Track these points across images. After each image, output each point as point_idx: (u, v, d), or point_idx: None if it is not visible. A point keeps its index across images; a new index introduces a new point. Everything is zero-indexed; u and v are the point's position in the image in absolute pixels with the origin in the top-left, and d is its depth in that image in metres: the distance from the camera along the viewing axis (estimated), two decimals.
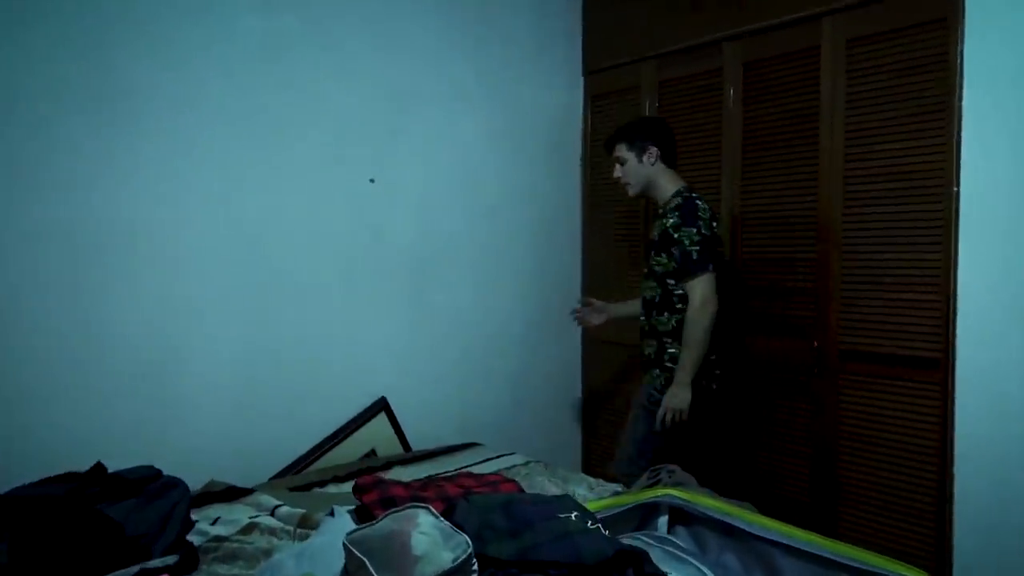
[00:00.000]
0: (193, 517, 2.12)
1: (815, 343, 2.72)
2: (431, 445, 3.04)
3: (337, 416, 2.82)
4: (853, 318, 2.63)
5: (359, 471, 2.63)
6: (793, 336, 2.80)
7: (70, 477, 1.81)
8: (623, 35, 3.33)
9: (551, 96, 3.42)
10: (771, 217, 2.85)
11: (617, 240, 3.42)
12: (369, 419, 2.87)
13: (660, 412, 2.51)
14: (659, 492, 1.97)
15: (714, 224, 2.56)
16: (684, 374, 2.48)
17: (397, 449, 2.95)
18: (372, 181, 2.86)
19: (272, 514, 2.18)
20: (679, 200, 2.54)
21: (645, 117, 2.94)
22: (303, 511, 2.13)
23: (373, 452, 2.88)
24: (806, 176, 2.74)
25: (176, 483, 1.84)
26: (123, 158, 2.31)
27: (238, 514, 2.19)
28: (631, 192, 2.66)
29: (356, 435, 2.84)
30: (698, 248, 2.45)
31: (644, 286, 2.67)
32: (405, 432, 2.98)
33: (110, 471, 1.99)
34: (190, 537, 1.85)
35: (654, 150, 2.58)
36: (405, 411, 3.01)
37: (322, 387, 2.78)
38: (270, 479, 2.63)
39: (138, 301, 2.36)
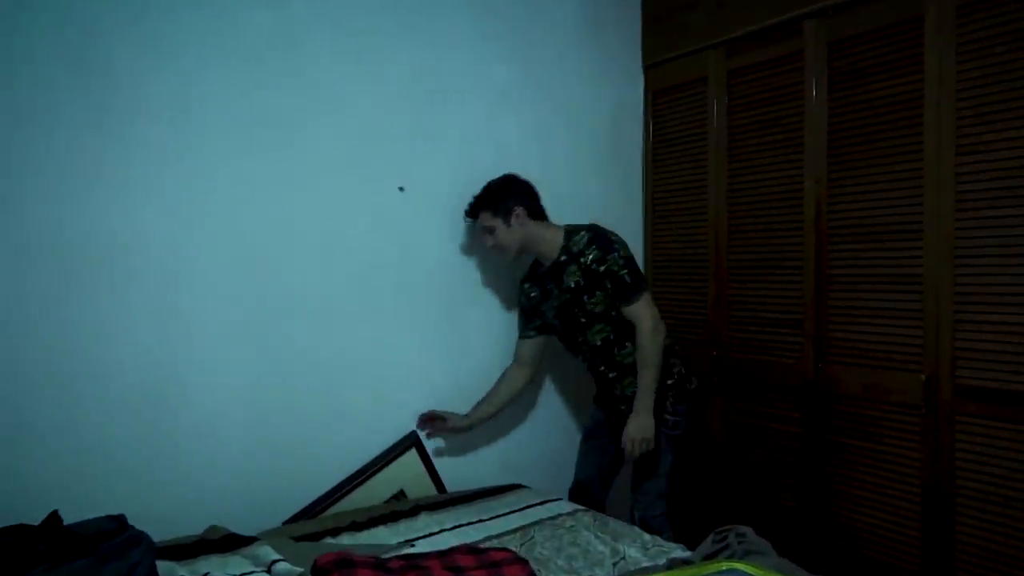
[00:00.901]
0: (181, 572, 1.85)
1: (923, 375, 2.25)
2: (468, 486, 2.71)
3: (360, 453, 2.51)
4: (973, 347, 2.15)
5: (382, 516, 2.32)
6: (893, 366, 2.33)
7: (19, 530, 1.55)
8: (686, 20, 2.94)
9: (606, 93, 3.06)
10: (865, 225, 2.40)
11: (686, 256, 3.01)
12: (397, 456, 2.56)
13: (626, 446, 2.41)
14: (725, 566, 1.59)
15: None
16: (646, 400, 2.41)
17: (430, 490, 2.62)
18: (401, 189, 2.57)
19: (268, 571, 1.88)
20: (587, 235, 2.45)
21: (499, 179, 2.55)
22: (301, 571, 1.83)
23: (402, 493, 2.56)
24: (908, 174, 2.28)
25: (138, 540, 1.57)
26: (115, 164, 2.08)
27: (232, 568, 1.91)
28: (506, 258, 2.55)
29: (382, 474, 2.52)
30: (628, 271, 2.40)
31: (589, 336, 2.50)
32: (439, 471, 2.65)
33: (79, 519, 1.75)
34: None
35: (519, 210, 2.47)
36: (439, 447, 2.70)
37: (343, 420, 2.49)
38: (283, 523, 2.34)
39: (132, 322, 2.12)
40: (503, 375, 2.68)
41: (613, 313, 2.46)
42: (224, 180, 2.24)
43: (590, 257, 2.43)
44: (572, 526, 2.26)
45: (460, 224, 2.66)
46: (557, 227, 2.54)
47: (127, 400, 2.12)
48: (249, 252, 2.29)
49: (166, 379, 2.17)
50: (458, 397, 2.70)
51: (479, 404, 2.65)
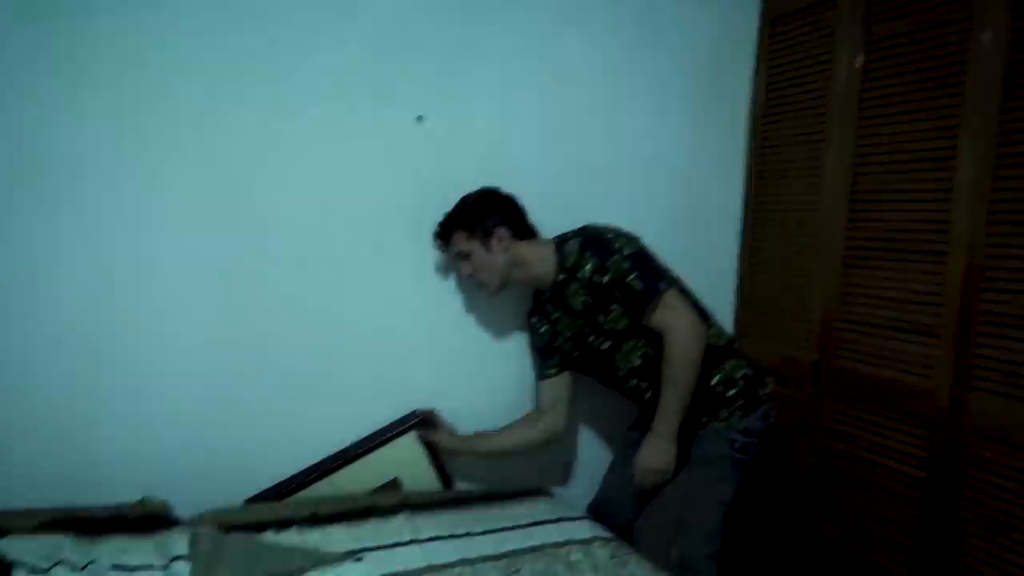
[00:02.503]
0: (68, 552, 1.52)
1: None
2: (479, 484, 2.24)
3: (349, 429, 2.10)
4: None
5: (351, 512, 1.90)
6: None
7: None
8: None
9: (708, 14, 2.40)
10: None
11: (791, 229, 2.33)
12: (393, 438, 2.12)
13: (637, 476, 1.95)
14: None
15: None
16: (669, 424, 1.90)
17: (430, 482, 2.17)
18: (420, 119, 2.09)
19: (165, 568, 1.52)
20: (576, 242, 1.96)
21: (475, 194, 2.04)
22: None
23: (395, 482, 2.13)
24: None
25: None
26: (66, 66, 1.75)
27: (131, 556, 1.57)
28: (489, 291, 2.05)
29: (373, 457, 2.10)
30: (637, 272, 1.88)
31: (622, 360, 2.01)
32: (444, 463, 2.19)
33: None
34: None
35: (502, 231, 1.99)
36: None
37: (332, 388, 2.09)
38: (245, 501, 1.99)
39: (75, 258, 1.81)
40: (520, 420, 2.19)
41: (643, 323, 1.91)
42: (196, 92, 1.87)
43: (588, 268, 1.92)
44: (577, 561, 1.74)
45: (496, 166, 2.14)
46: (547, 243, 2.05)
47: (62, 342, 1.82)
48: (224, 181, 1.92)
49: (113, 324, 1.86)
50: (477, 375, 2.23)
51: (483, 434, 2.18)
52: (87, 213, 1.80)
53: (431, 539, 1.80)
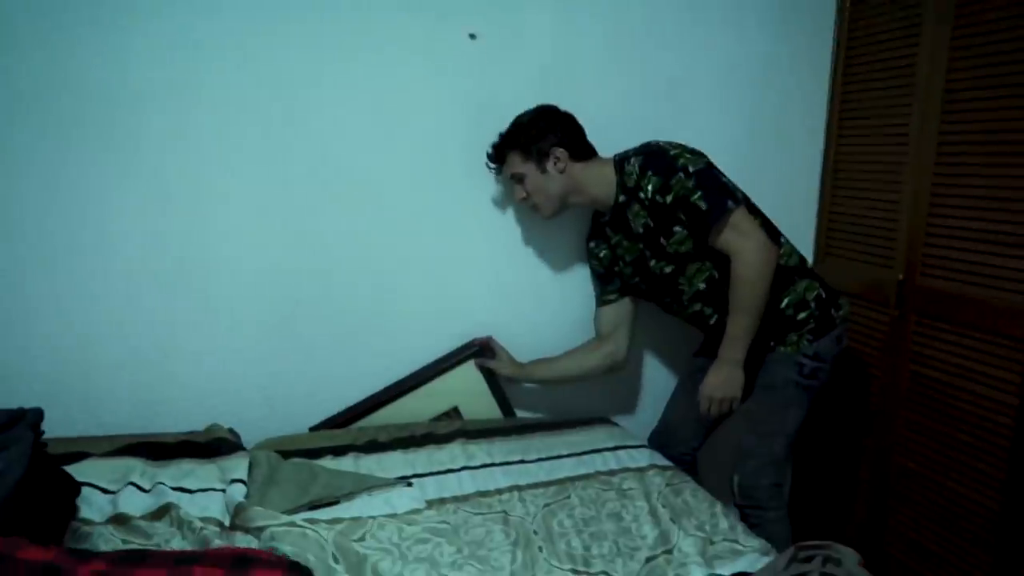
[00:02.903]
0: (136, 476, 1.61)
1: None
2: (540, 414, 2.22)
3: (409, 359, 2.10)
4: None
5: (409, 438, 1.93)
6: None
7: None
8: None
9: None
10: None
11: (886, 140, 2.12)
12: (453, 366, 2.11)
13: (702, 404, 1.87)
14: None
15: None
16: (736, 350, 1.81)
17: (491, 411, 2.16)
18: (473, 37, 2.00)
19: (224, 491, 1.58)
20: (638, 161, 1.84)
21: (531, 112, 1.92)
22: (242, 502, 1.50)
23: (455, 411, 2.14)
24: None
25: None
26: None
27: (195, 479, 1.65)
28: (545, 214, 1.96)
29: (432, 385, 2.10)
30: (702, 191, 1.76)
31: (686, 285, 1.90)
32: (504, 391, 2.18)
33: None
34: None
35: (559, 152, 1.88)
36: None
37: (390, 319, 2.08)
38: (309, 429, 2.05)
39: (136, 188, 1.85)
40: (580, 347, 2.12)
41: (709, 245, 1.79)
42: (246, 16, 1.84)
43: (650, 188, 1.80)
44: (630, 489, 1.70)
45: (556, 85, 2.04)
46: (606, 162, 1.93)
47: (133, 279, 1.89)
48: (281, 107, 1.91)
49: (169, 255, 1.90)
50: (539, 303, 2.19)
51: (542, 361, 2.13)
52: (151, 148, 1.84)
53: (484, 466, 1.81)
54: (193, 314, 1.94)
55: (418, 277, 2.09)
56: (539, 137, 1.87)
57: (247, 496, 1.57)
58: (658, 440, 2.09)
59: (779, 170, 2.30)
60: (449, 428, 2.00)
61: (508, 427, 2.04)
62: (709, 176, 1.78)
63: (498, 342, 2.13)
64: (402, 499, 1.60)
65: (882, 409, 2.10)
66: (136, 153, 1.83)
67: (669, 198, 1.78)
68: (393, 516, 1.54)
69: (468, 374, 2.13)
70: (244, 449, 1.78)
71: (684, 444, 2.06)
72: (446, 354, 2.12)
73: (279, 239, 1.97)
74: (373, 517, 1.53)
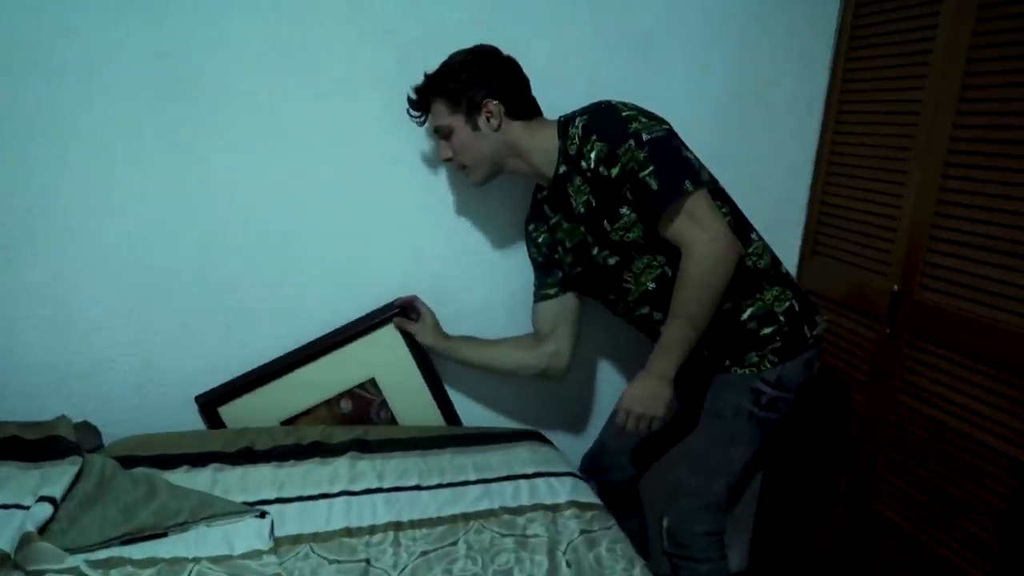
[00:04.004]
0: None
1: None
2: (471, 397, 1.94)
3: (321, 321, 1.78)
4: None
5: (297, 447, 1.64)
6: None
7: None
8: None
9: None
10: None
11: (891, 122, 1.75)
12: (371, 329, 1.77)
13: (618, 417, 1.51)
14: None
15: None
16: (666, 360, 1.46)
17: (415, 384, 1.83)
18: None
19: (28, 510, 1.29)
20: (582, 123, 1.49)
21: (463, 53, 1.57)
22: (30, 532, 1.21)
23: (372, 384, 1.81)
24: None
25: None
26: None
27: (3, 491, 1.36)
28: (475, 179, 1.62)
29: (347, 352, 1.77)
30: (655, 166, 1.40)
31: (632, 283, 1.56)
32: (431, 362, 1.84)
33: None
34: None
35: (494, 105, 1.53)
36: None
37: (285, 288, 1.77)
38: (195, 398, 1.74)
39: None
40: (515, 339, 1.80)
41: (659, 234, 1.45)
42: None
43: (592, 156, 1.45)
44: (534, 537, 1.39)
45: (496, 23, 1.69)
46: (549, 124, 1.58)
47: None
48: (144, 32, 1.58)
49: (20, 213, 1.60)
50: (479, 263, 1.86)
51: (471, 340, 1.80)
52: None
53: (367, 491, 1.51)
54: (45, 278, 1.64)
55: (322, 242, 1.77)
56: (471, 84, 1.52)
57: (54, 519, 1.28)
58: (592, 463, 1.78)
59: (765, 148, 1.95)
60: (345, 436, 1.70)
61: (415, 439, 1.73)
62: (666, 148, 1.42)
63: (425, 304, 1.79)
64: (245, 534, 1.31)
65: (861, 445, 1.76)
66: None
67: (615, 171, 1.43)
68: (224, 558, 1.25)
69: (388, 339, 1.79)
70: (79, 454, 1.49)
71: (622, 471, 1.75)
72: (363, 316, 1.79)
73: (154, 191, 1.65)
74: (197, 559, 1.24)
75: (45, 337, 1.66)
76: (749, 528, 2.16)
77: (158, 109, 1.61)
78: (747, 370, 1.51)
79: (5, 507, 1.32)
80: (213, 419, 1.75)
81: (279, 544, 1.31)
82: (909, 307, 1.63)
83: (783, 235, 1.98)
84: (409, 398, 1.83)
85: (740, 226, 1.52)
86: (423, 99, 1.58)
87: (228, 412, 1.76)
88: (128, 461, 1.51)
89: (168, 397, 1.75)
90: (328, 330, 1.78)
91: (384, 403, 1.83)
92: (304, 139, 1.69)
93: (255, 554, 1.26)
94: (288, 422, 1.79)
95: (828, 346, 1.82)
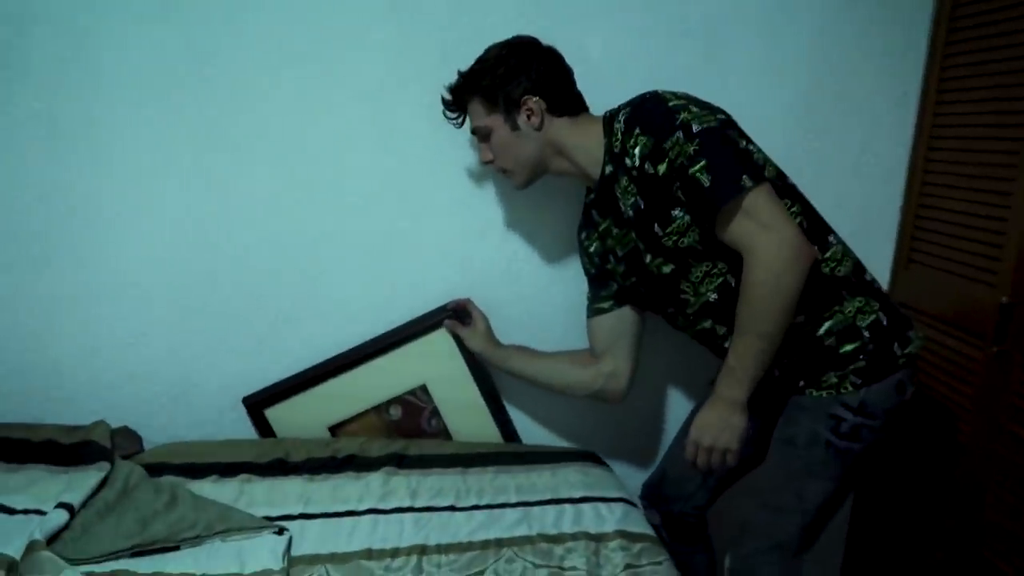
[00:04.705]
0: None
1: None
2: (526, 412, 1.81)
3: (354, 330, 1.69)
4: None
5: (332, 460, 1.56)
6: None
7: None
8: None
9: None
10: None
11: (1003, 109, 1.52)
12: (422, 333, 1.67)
13: (688, 450, 1.34)
14: None
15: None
16: (736, 384, 1.28)
17: (470, 394, 1.71)
18: None
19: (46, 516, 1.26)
20: (624, 116, 1.34)
21: (500, 46, 1.44)
22: (36, 541, 1.17)
23: (423, 391, 1.71)
24: None
25: None
26: None
27: (24, 495, 1.36)
28: (517, 183, 1.50)
29: (395, 357, 1.68)
30: (706, 160, 1.23)
31: (691, 293, 1.39)
32: (486, 368, 1.71)
33: None
34: None
35: (535, 102, 1.40)
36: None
37: (324, 302, 1.70)
38: (243, 398, 1.69)
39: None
40: (571, 353, 1.66)
41: (719, 240, 1.29)
42: None
43: (637, 152, 1.30)
44: (571, 569, 1.24)
45: (539, 13, 1.58)
46: (595, 119, 1.44)
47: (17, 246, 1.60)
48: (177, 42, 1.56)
49: (69, 226, 1.60)
50: (508, 288, 1.73)
51: (523, 349, 1.68)
52: (41, 89, 1.54)
53: (397, 510, 1.40)
54: (79, 287, 1.63)
55: (361, 250, 1.69)
56: (508, 80, 1.40)
57: (68, 526, 1.24)
58: (653, 491, 1.62)
59: (849, 147, 1.74)
60: (384, 449, 1.61)
61: (457, 455, 1.62)
62: (720, 139, 1.25)
63: (478, 308, 1.68)
64: (259, 552, 1.23)
65: (966, 483, 1.52)
66: (25, 90, 1.53)
67: (662, 168, 1.27)
68: None
69: (439, 344, 1.68)
70: (109, 460, 1.45)
71: (684, 501, 1.57)
72: (413, 319, 1.69)
73: (189, 200, 1.62)
74: None
75: (85, 345, 1.65)
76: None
77: (191, 116, 1.58)
78: (824, 392, 1.32)
79: (26, 512, 1.29)
80: (260, 422, 1.70)
81: (293, 564, 1.22)
82: (1021, 322, 1.39)
83: (873, 243, 1.76)
84: (462, 407, 1.72)
85: (814, 228, 1.34)
86: (458, 99, 1.48)
87: (275, 415, 1.70)
88: (158, 469, 1.47)
89: (208, 404, 1.71)
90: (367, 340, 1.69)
91: (435, 411, 1.72)
92: (344, 142, 1.63)
93: (265, 573, 1.17)
94: (336, 427, 1.71)
95: (925, 366, 1.60)
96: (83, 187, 1.58)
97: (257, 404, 1.69)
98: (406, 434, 1.71)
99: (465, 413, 1.72)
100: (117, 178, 1.59)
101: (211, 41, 1.55)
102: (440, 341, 1.68)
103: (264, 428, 1.70)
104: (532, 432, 1.81)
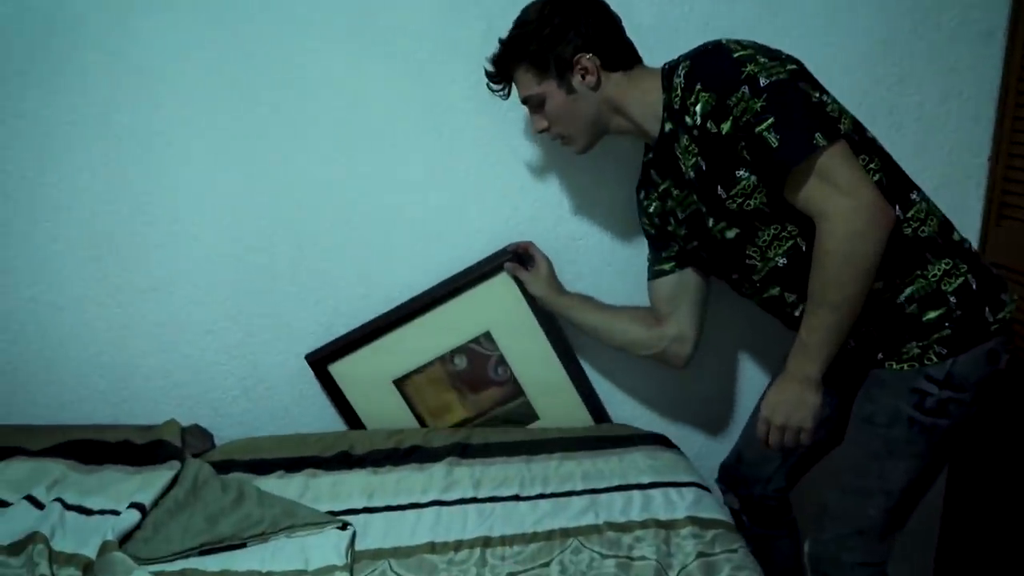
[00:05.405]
0: (36, 492, 1.37)
1: None
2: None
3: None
4: None
5: (396, 451, 1.56)
6: None
7: None
8: None
9: None
10: None
11: None
12: (483, 279, 1.61)
13: (759, 428, 1.27)
14: None
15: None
16: (809, 360, 1.20)
17: (535, 340, 1.64)
18: None
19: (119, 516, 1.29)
20: (684, 70, 1.22)
21: (542, 2, 1.32)
22: (109, 542, 1.20)
23: (487, 338, 1.64)
24: None
25: None
26: None
27: (101, 496, 1.39)
28: (578, 148, 1.41)
29: (458, 303, 1.62)
30: (774, 117, 1.12)
31: (758, 258, 1.29)
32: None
33: None
34: None
35: (588, 60, 1.28)
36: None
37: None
38: (305, 355, 1.66)
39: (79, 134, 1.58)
40: (634, 309, 1.57)
41: (788, 206, 1.19)
42: None
43: (698, 110, 1.20)
44: (640, 559, 1.20)
45: None
46: (652, 73, 1.32)
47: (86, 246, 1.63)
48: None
49: (126, 216, 1.62)
50: (565, 266, 1.66)
51: (586, 299, 1.60)
52: (98, 94, 1.55)
53: (460, 501, 1.38)
54: (150, 281, 1.66)
55: (412, 233, 1.64)
56: (556, 40, 1.29)
57: (140, 526, 1.27)
58: (730, 473, 1.54)
59: (929, 94, 1.59)
60: (448, 439, 1.59)
61: (521, 442, 1.58)
62: (790, 93, 1.14)
63: (540, 251, 1.62)
64: (323, 548, 1.22)
65: None
66: (83, 95, 1.56)
67: (726, 126, 1.17)
68: (297, 574, 1.16)
69: (502, 289, 1.61)
70: (180, 459, 1.48)
71: (763, 484, 1.49)
72: (474, 264, 1.62)
73: (243, 194, 1.61)
74: (271, 574, 1.16)
75: (156, 342, 1.68)
76: (929, 562, 1.81)
77: (243, 107, 1.56)
78: (906, 365, 1.22)
79: (102, 512, 1.32)
80: (324, 378, 1.66)
81: (357, 559, 1.21)
82: None
83: (959, 198, 1.63)
84: (529, 354, 1.64)
85: (895, 185, 1.22)
86: (502, 69, 1.39)
87: (339, 369, 1.66)
88: (226, 466, 1.49)
89: (274, 397, 1.72)
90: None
91: (502, 359, 1.66)
92: (390, 121, 1.58)
93: (329, 569, 1.16)
94: (401, 380, 1.67)
95: (1023, 331, 1.47)
96: (143, 185, 1.60)
97: (320, 360, 1.65)
98: (473, 385, 1.66)
99: (533, 360, 1.65)
100: (177, 175, 1.59)
101: (257, 26, 1.52)
102: (501, 286, 1.61)
103: (330, 386, 1.67)
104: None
